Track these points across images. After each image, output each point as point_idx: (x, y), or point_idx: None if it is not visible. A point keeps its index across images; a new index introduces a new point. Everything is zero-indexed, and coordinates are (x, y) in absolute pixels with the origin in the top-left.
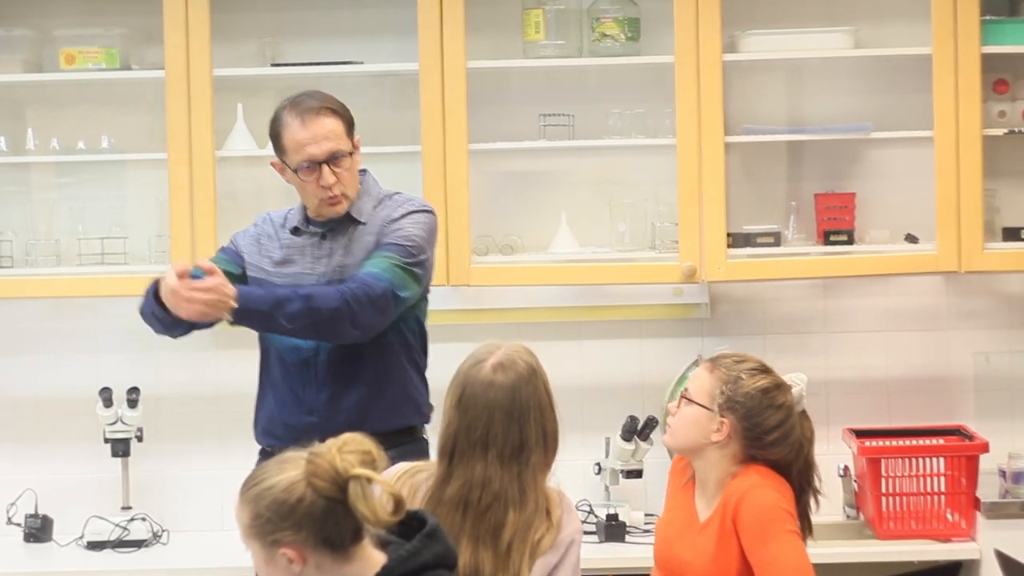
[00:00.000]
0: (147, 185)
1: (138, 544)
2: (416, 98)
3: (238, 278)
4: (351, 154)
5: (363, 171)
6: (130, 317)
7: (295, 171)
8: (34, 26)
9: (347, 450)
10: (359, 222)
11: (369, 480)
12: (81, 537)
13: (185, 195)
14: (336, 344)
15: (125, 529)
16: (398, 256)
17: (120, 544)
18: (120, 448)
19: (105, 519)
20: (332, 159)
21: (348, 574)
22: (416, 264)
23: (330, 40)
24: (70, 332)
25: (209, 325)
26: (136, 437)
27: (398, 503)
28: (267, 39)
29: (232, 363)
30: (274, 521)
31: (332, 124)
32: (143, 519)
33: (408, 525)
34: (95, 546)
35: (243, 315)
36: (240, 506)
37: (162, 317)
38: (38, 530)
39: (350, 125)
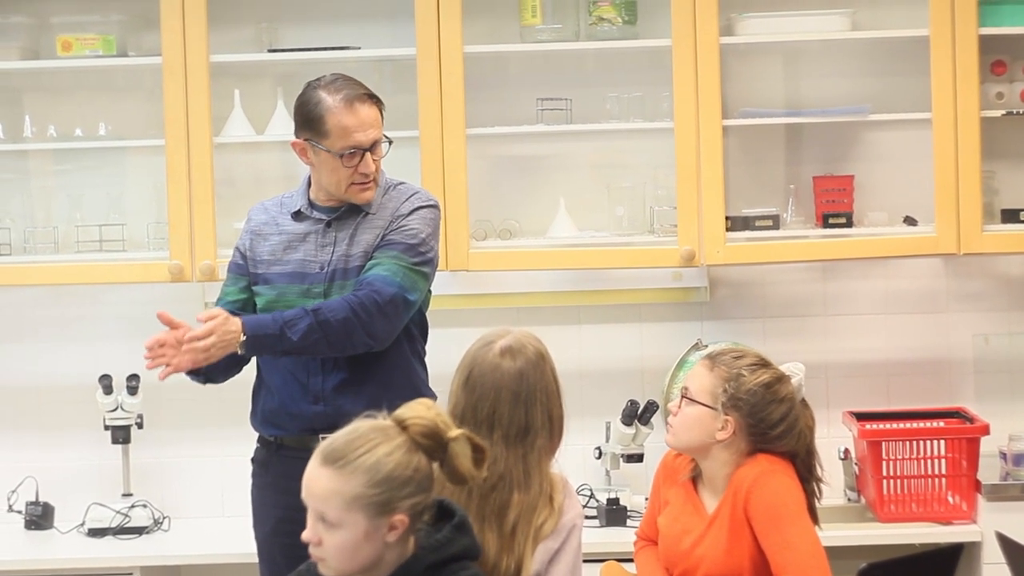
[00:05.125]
0: (145, 172)
1: (139, 531)
2: (413, 83)
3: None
4: (389, 143)
5: None
6: (129, 304)
7: (339, 155)
8: (31, 13)
9: (435, 412)
10: (366, 212)
11: (468, 440)
12: (82, 524)
13: (183, 182)
14: (349, 355)
15: (126, 516)
16: (406, 257)
17: (121, 531)
18: (120, 435)
19: (106, 506)
20: (372, 147)
21: (398, 552)
22: (424, 263)
23: (327, 25)
24: (69, 319)
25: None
26: (136, 424)
27: (480, 459)
28: (264, 25)
29: None
30: (393, 490)
31: (375, 113)
32: (144, 506)
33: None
34: (96, 533)
35: (254, 343)
36: (342, 479)
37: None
38: (39, 517)
39: (382, 114)
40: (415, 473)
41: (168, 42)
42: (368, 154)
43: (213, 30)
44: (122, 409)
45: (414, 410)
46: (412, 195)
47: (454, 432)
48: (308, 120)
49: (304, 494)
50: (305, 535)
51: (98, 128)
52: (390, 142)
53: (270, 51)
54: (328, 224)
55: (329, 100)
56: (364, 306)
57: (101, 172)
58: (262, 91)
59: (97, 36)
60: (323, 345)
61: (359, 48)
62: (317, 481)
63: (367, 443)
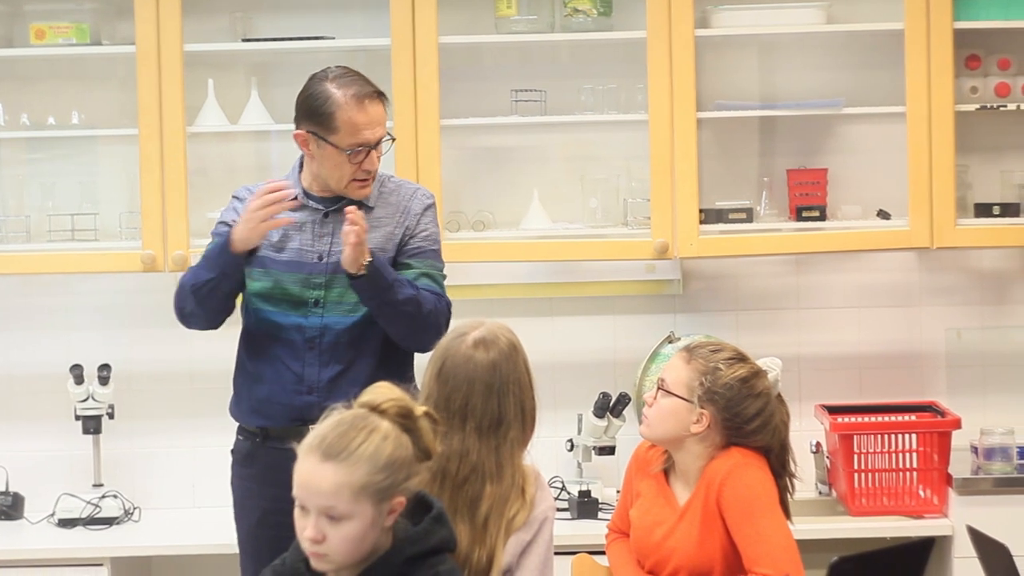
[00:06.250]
0: (118, 161)
1: (109, 521)
2: (388, 73)
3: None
4: (392, 140)
5: None
6: (101, 293)
7: (346, 152)
8: (3, 1)
9: (398, 391)
10: (366, 205)
11: (427, 414)
12: (52, 514)
13: (156, 171)
14: (410, 345)
15: (96, 506)
16: (438, 264)
17: (91, 521)
18: (91, 425)
19: (76, 496)
20: (376, 144)
21: (383, 541)
22: (443, 266)
23: (301, 15)
24: (40, 309)
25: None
26: (107, 414)
27: (437, 431)
28: (238, 14)
29: (204, 340)
30: (395, 473)
31: (382, 111)
32: (114, 496)
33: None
34: (66, 523)
35: (373, 272)
36: (347, 471)
37: (229, 269)
38: (9, 507)
39: (386, 111)
40: (407, 453)
41: (142, 31)
42: (373, 152)
43: (187, 19)
44: (93, 399)
45: (381, 393)
46: (416, 191)
47: (419, 409)
48: (316, 114)
49: (302, 493)
50: (308, 534)
51: (71, 117)
52: (393, 139)
53: (244, 40)
54: (325, 215)
55: (339, 96)
56: (442, 312)
57: (74, 161)
58: (236, 81)
59: (70, 24)
60: (405, 320)
61: (333, 38)
62: (321, 477)
63: (360, 432)
